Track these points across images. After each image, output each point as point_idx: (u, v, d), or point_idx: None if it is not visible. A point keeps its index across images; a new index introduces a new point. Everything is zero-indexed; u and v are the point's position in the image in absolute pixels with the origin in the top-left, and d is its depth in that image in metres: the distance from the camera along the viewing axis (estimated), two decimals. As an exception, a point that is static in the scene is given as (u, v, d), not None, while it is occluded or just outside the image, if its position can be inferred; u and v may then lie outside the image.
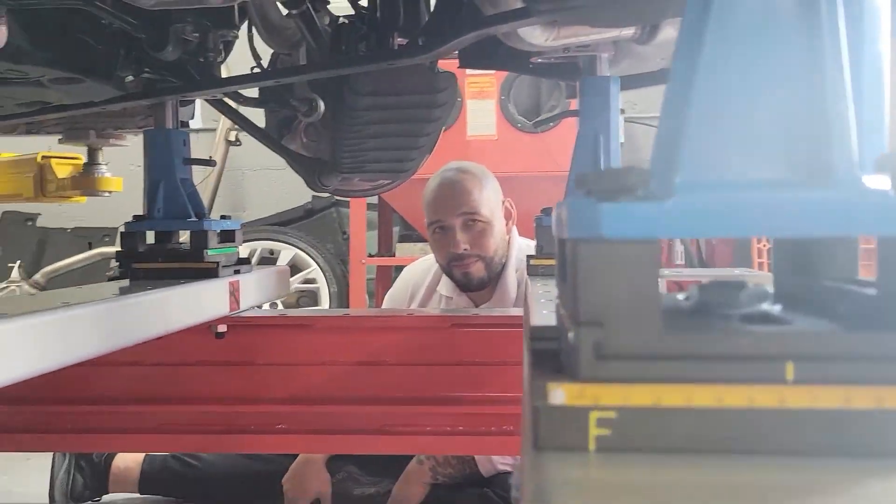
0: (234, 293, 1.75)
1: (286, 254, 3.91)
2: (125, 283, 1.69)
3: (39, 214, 4.74)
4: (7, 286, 3.97)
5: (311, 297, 3.94)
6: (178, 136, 1.81)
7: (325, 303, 3.87)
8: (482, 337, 1.74)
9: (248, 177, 4.94)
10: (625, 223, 0.40)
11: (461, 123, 3.69)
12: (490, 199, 2.26)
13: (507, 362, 1.70)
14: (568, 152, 1.79)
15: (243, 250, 3.88)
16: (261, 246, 3.93)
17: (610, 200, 0.41)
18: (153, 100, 1.75)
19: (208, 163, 1.85)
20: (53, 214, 4.71)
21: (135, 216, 1.77)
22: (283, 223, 4.51)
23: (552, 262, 1.69)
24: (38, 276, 4.07)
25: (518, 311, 1.83)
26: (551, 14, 1.20)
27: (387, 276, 4.34)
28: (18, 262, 4.10)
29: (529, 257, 1.74)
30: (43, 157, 2.38)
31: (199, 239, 1.71)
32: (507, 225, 2.32)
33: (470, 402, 1.71)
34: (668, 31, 1.50)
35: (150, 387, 1.76)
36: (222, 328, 1.77)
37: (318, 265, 3.88)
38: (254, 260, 3.92)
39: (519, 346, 1.60)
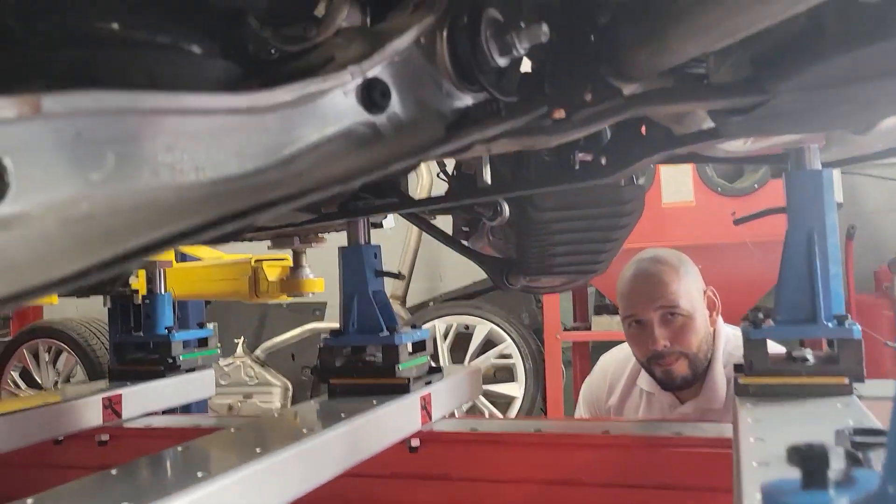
0: (425, 407, 1.76)
1: (481, 329, 3.92)
2: (324, 399, 1.76)
3: (259, 290, 5.17)
4: (233, 361, 4.34)
5: (507, 372, 3.91)
6: (369, 251, 1.87)
7: (520, 378, 3.83)
8: (686, 458, 1.60)
9: (445, 247, 5.06)
10: None
11: (655, 190, 3.53)
12: (690, 290, 2.10)
13: (715, 488, 1.54)
14: (776, 215, 1.61)
15: (440, 325, 3.97)
16: (456, 322, 3.98)
17: None
18: (347, 219, 1.83)
19: (398, 276, 1.89)
20: (271, 290, 5.11)
21: (332, 331, 1.85)
22: (479, 292, 4.55)
23: (764, 380, 1.52)
24: (258, 352, 4.42)
25: (728, 428, 1.65)
26: (746, 134, 1.08)
27: (584, 346, 4.22)
28: (242, 338, 4.48)
29: (738, 370, 1.57)
30: (255, 260, 2.57)
31: (391, 354, 1.74)
32: (711, 316, 2.14)
33: (675, 532, 1.56)
34: (892, 120, 1.31)
35: (347, 498, 1.79)
36: (415, 442, 1.78)
37: (513, 340, 3.85)
38: (449, 336, 3.99)
39: (730, 470, 1.44)
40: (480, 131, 0.72)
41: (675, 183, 3.57)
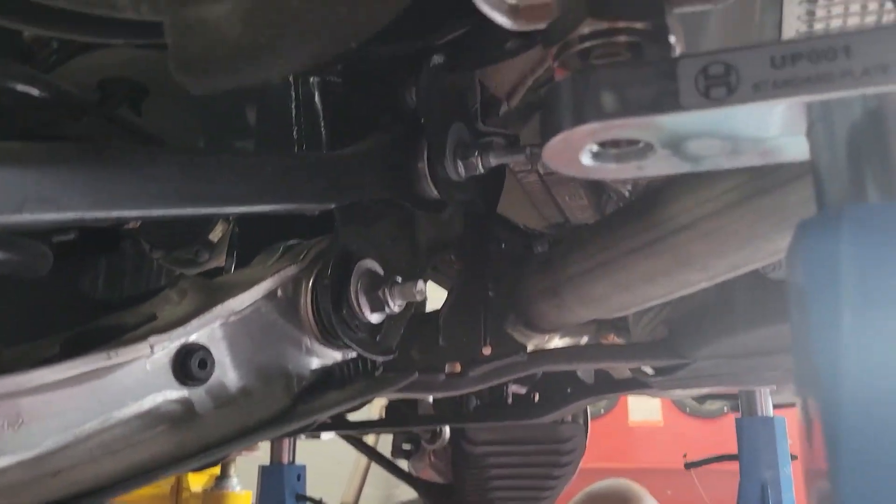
0: None
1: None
2: None
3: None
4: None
5: None
6: (292, 472, 1.72)
7: None
8: None
9: (404, 451, 4.81)
10: None
11: (622, 408, 3.40)
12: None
13: None
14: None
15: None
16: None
17: None
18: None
19: (318, 503, 1.72)
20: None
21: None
22: (437, 502, 4.25)
23: None
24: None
25: None
26: (671, 389, 1.00)
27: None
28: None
29: None
30: (183, 466, 2.38)
31: None
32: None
33: None
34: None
35: None
36: None
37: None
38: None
39: None
40: (344, 397, 0.63)
41: (644, 401, 3.45)
